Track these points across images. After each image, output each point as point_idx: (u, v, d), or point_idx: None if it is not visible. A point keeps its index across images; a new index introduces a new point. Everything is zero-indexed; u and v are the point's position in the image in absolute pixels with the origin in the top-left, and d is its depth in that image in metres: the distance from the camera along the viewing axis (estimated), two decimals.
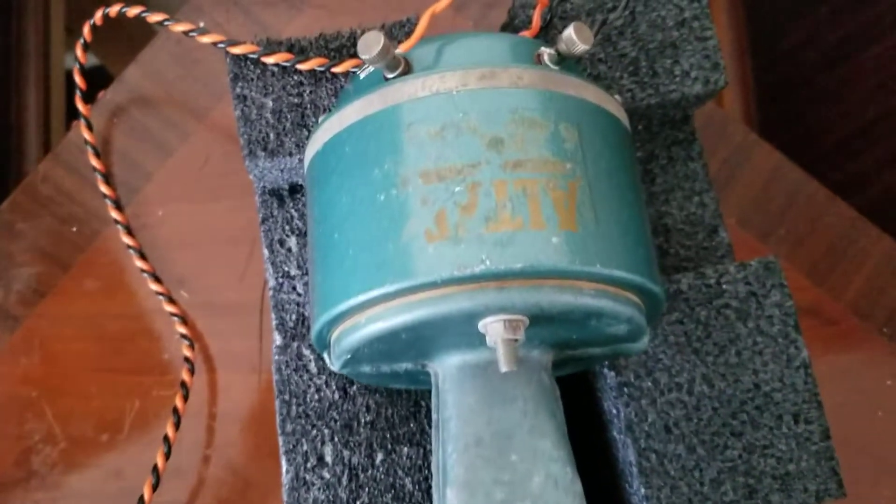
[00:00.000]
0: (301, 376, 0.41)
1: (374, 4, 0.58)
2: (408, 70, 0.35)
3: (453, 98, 0.33)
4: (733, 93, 0.83)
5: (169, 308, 0.50)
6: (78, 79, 0.51)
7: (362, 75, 0.36)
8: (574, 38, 0.34)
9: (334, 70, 0.43)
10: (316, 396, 0.41)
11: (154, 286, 0.51)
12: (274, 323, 0.45)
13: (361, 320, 0.32)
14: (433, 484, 0.35)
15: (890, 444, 0.53)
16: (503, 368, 0.31)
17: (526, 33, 0.43)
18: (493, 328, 0.31)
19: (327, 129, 0.35)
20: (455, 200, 0.31)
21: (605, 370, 0.42)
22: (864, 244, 0.55)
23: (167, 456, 0.47)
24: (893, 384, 0.53)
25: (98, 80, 0.56)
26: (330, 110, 0.43)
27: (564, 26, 0.44)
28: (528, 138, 0.32)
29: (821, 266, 0.55)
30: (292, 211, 0.46)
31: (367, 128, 0.34)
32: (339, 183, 0.34)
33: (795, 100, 0.84)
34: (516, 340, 0.31)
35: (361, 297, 0.32)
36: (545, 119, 0.33)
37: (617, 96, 0.37)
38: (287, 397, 0.41)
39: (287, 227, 0.46)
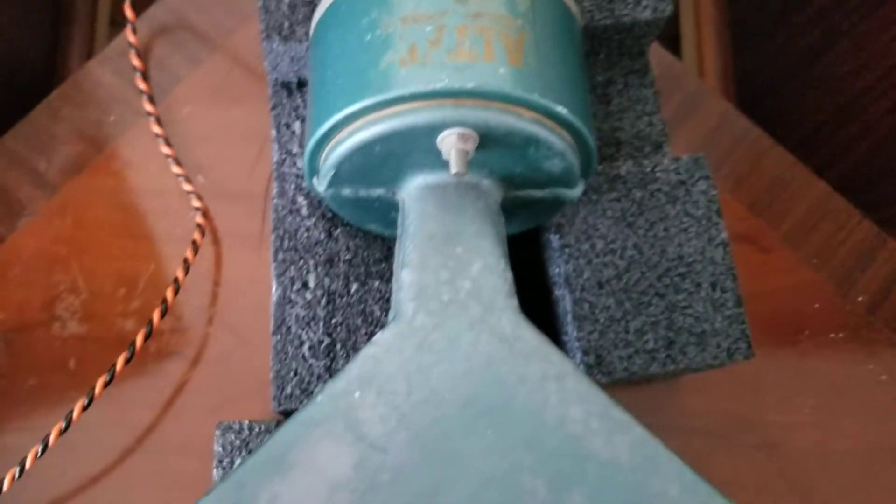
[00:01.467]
0: (294, 217, 0.49)
1: None
2: None
3: None
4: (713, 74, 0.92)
5: (187, 187, 0.58)
6: None
7: None
8: None
9: None
10: (305, 235, 0.48)
11: (176, 169, 0.59)
12: (274, 192, 0.53)
13: (344, 135, 0.40)
14: (393, 279, 0.42)
15: (813, 359, 0.59)
16: (453, 170, 0.38)
17: None
18: (448, 139, 0.39)
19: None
20: (426, 37, 0.39)
21: (551, 235, 0.49)
22: (800, 185, 0.62)
23: (163, 314, 0.54)
24: (820, 307, 0.60)
25: None
26: None
27: None
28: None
29: (760, 201, 0.62)
30: (299, 101, 0.54)
31: None
32: (334, 34, 0.42)
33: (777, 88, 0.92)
34: (467, 152, 0.39)
35: (345, 112, 0.39)
36: None
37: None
38: (281, 233, 0.48)
39: (293, 114, 0.54)
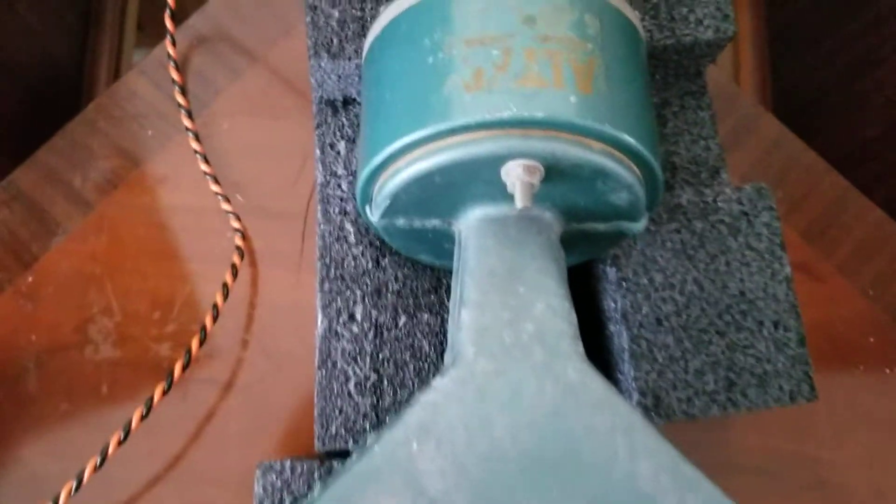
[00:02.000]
0: (341, 245, 0.47)
1: None
2: None
3: None
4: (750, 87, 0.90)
5: (225, 207, 0.56)
6: None
7: None
8: None
9: None
10: (352, 263, 0.46)
11: (214, 187, 0.57)
12: (319, 214, 0.51)
13: (402, 165, 0.38)
14: (450, 317, 0.40)
15: (867, 395, 0.57)
16: (519, 205, 0.36)
17: None
18: (514, 171, 0.37)
19: (386, 16, 0.42)
20: (492, 61, 0.37)
21: (607, 268, 0.47)
22: (855, 212, 0.60)
23: (202, 342, 0.52)
24: (876, 341, 0.58)
25: None
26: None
27: None
28: (557, 19, 0.38)
29: (814, 228, 0.60)
30: (344, 119, 0.53)
31: (420, 9, 0.40)
32: (393, 53, 0.40)
33: (809, 114, 0.90)
34: (533, 185, 0.37)
35: (405, 140, 0.37)
36: (572, 7, 0.39)
37: (637, 12, 0.44)
38: (328, 261, 0.46)
39: (338, 133, 0.52)
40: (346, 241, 0.47)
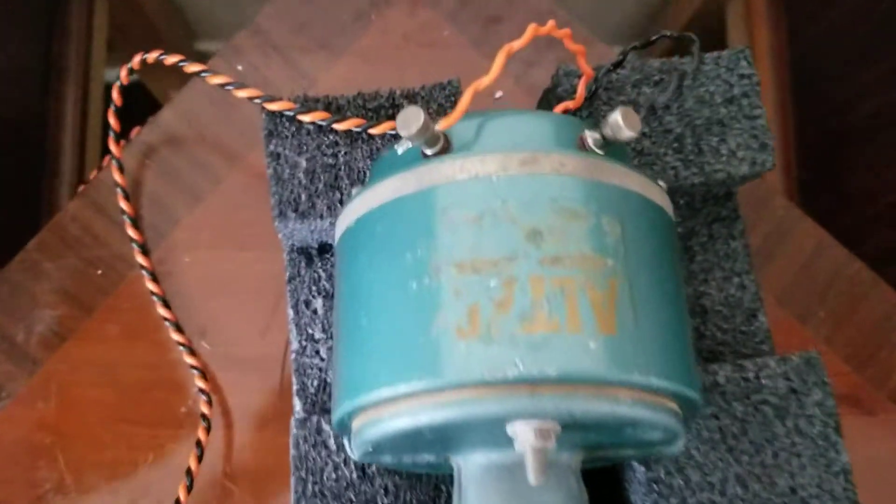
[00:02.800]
0: (319, 453, 0.40)
1: (414, 53, 0.57)
2: (447, 147, 0.34)
3: (493, 183, 0.31)
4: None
5: (189, 360, 0.49)
6: (112, 120, 0.50)
7: (400, 150, 0.35)
8: (620, 123, 0.33)
9: (371, 132, 0.42)
10: (333, 475, 0.39)
11: (175, 336, 0.50)
12: (295, 388, 0.44)
13: (384, 415, 0.31)
14: None
15: None
16: (532, 480, 0.29)
17: (570, 104, 0.42)
18: (523, 434, 0.30)
19: (360, 204, 0.34)
20: (490, 295, 0.29)
21: (636, 465, 0.40)
22: None
23: None
24: None
25: (137, 96, 0.55)
26: (364, 181, 0.42)
27: (609, 98, 0.43)
28: (569, 231, 0.31)
29: (861, 351, 0.52)
30: (320, 271, 0.45)
31: (401, 208, 0.32)
32: (370, 262, 0.33)
33: (836, 164, 0.82)
34: (546, 450, 0.30)
35: (386, 392, 0.30)
36: (587, 210, 0.31)
37: (661, 182, 0.36)
38: (303, 474, 0.39)
39: (314, 288, 0.45)
40: (326, 447, 0.40)
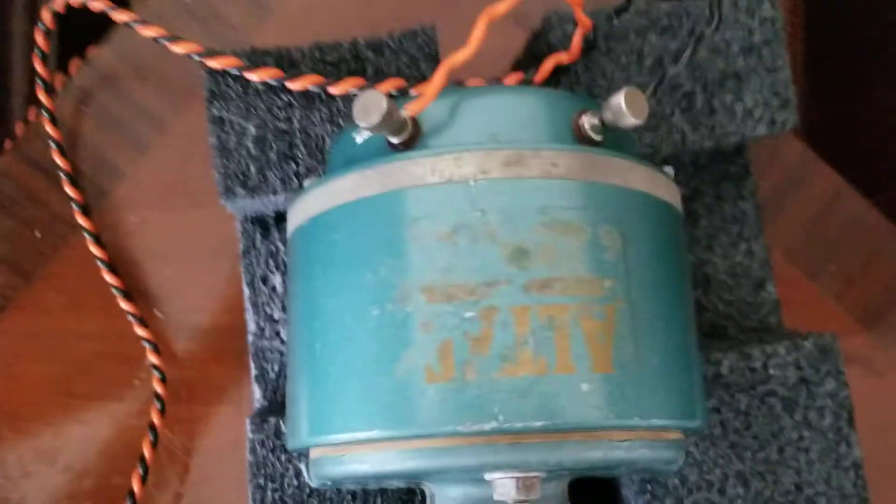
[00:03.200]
0: (279, 457, 0.36)
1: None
2: (416, 135, 0.28)
3: (470, 190, 0.26)
4: None
5: (140, 332, 0.45)
6: (39, 67, 0.44)
7: (359, 140, 0.30)
8: (624, 108, 0.27)
9: (331, 91, 0.36)
10: (295, 482, 0.36)
11: (125, 305, 0.45)
12: (253, 373, 0.40)
13: (345, 457, 0.27)
14: None
15: None
16: None
17: (563, 56, 0.36)
18: (503, 486, 0.26)
19: (314, 201, 0.29)
20: (465, 330, 0.25)
21: None
22: None
23: None
24: None
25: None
26: (324, 150, 0.36)
27: (609, 48, 0.37)
28: (560, 249, 0.26)
29: (872, 309, 0.48)
30: (278, 243, 0.40)
31: (360, 214, 0.27)
32: (325, 278, 0.28)
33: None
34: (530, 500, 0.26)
35: (344, 437, 0.26)
36: (583, 221, 0.26)
37: (668, 169, 0.31)
38: (262, 481, 0.35)
39: (272, 262, 0.40)
40: (286, 451, 0.36)
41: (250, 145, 0.36)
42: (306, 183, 0.32)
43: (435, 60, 0.37)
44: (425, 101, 0.28)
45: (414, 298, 0.25)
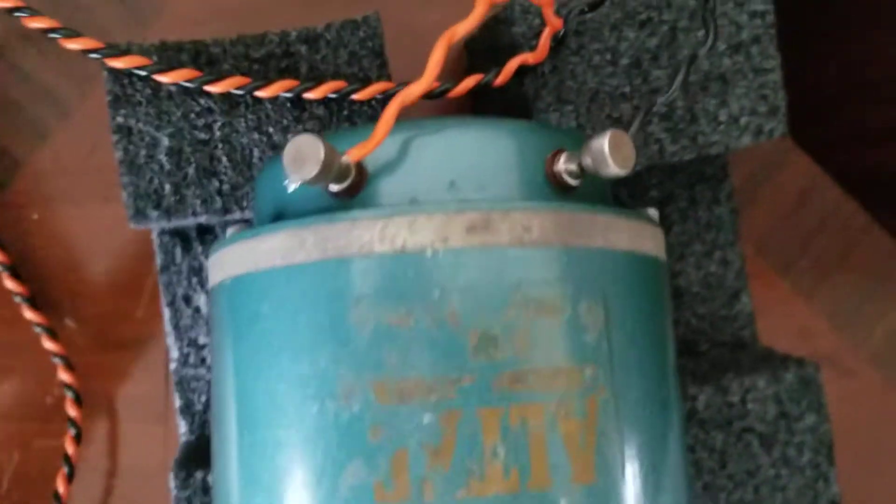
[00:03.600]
0: None
1: None
2: (360, 181, 0.24)
3: (427, 263, 0.22)
4: None
5: (49, 345, 0.40)
6: None
7: (290, 188, 0.25)
8: (607, 156, 0.23)
9: (259, 94, 0.31)
10: None
11: (30, 314, 0.40)
12: (178, 404, 0.36)
13: None
14: None
15: None
16: None
17: (529, 57, 0.31)
18: None
19: (238, 257, 0.24)
20: (422, 439, 0.21)
21: None
22: None
23: None
24: None
25: None
26: (250, 163, 0.31)
27: (580, 45, 0.32)
28: (535, 334, 0.22)
29: (844, 307, 0.46)
30: (201, 258, 0.35)
31: (294, 285, 0.23)
32: (253, 358, 0.23)
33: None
34: None
35: None
36: (561, 297, 0.22)
37: (653, 212, 0.27)
38: None
39: (195, 279, 0.35)
40: None
41: (164, 159, 0.31)
42: (229, 231, 0.27)
43: (379, 56, 0.32)
44: (371, 146, 0.23)
45: (361, 395, 0.21)
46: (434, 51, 0.23)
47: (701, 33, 0.32)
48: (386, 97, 0.31)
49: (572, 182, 0.24)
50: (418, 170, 0.24)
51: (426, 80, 0.23)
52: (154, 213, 0.31)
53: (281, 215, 0.25)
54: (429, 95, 0.31)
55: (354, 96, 0.31)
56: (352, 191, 0.24)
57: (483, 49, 0.37)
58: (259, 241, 0.23)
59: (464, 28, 0.23)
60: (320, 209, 0.24)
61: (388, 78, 0.32)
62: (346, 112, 0.31)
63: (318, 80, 0.31)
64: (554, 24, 0.29)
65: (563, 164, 0.24)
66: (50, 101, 0.41)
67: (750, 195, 0.45)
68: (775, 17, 0.33)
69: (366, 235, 0.22)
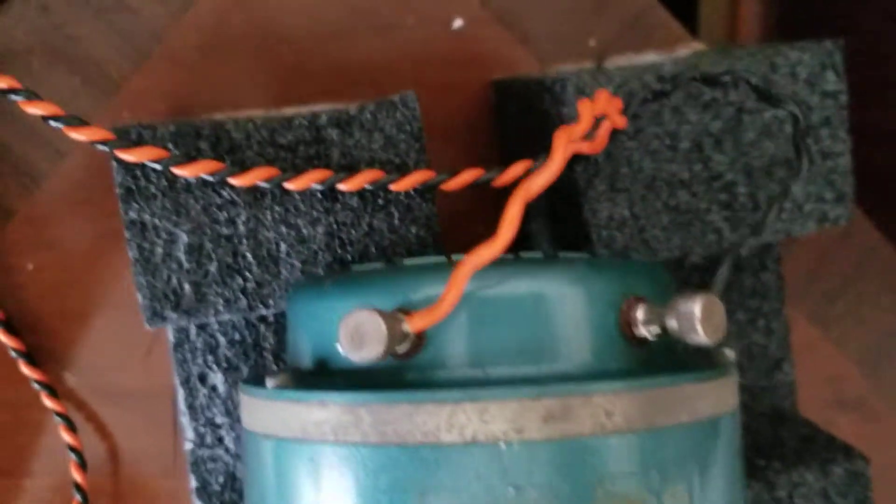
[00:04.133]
0: None
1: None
2: (419, 344, 0.21)
3: (501, 457, 0.20)
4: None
5: (49, 404, 0.37)
6: None
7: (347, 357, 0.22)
8: (698, 325, 0.21)
9: (287, 186, 0.28)
10: None
11: (28, 371, 0.37)
12: (194, 485, 0.34)
13: None
14: None
15: None
16: None
17: (585, 147, 0.28)
18: None
19: (285, 418, 0.22)
20: None
21: None
22: None
23: None
24: None
25: None
26: (277, 259, 0.28)
27: (637, 129, 0.29)
28: None
29: (872, 351, 0.45)
30: (218, 335, 0.33)
31: (348, 467, 0.20)
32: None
33: None
34: None
35: None
36: (646, 490, 0.20)
37: (729, 352, 0.25)
38: None
39: (210, 358, 0.33)
40: None
41: (182, 257, 0.28)
42: (269, 382, 0.24)
43: (418, 140, 0.29)
44: (438, 317, 0.20)
45: None
46: (508, 208, 0.20)
47: (768, 115, 0.30)
48: (426, 188, 0.28)
49: (650, 338, 0.22)
50: (482, 332, 0.21)
51: (501, 242, 0.20)
52: (172, 315, 0.28)
53: (325, 363, 0.23)
54: (473, 185, 0.28)
55: (392, 186, 0.28)
56: (408, 355, 0.21)
57: (517, 104, 0.34)
58: (308, 408, 0.21)
59: (539, 183, 0.20)
60: (373, 368, 0.22)
61: (428, 164, 0.29)
62: (381, 201, 0.28)
63: (352, 170, 0.28)
64: (618, 124, 0.26)
65: (642, 319, 0.22)
66: (42, 144, 0.37)
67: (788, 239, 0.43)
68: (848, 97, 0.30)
69: (430, 422, 0.20)
